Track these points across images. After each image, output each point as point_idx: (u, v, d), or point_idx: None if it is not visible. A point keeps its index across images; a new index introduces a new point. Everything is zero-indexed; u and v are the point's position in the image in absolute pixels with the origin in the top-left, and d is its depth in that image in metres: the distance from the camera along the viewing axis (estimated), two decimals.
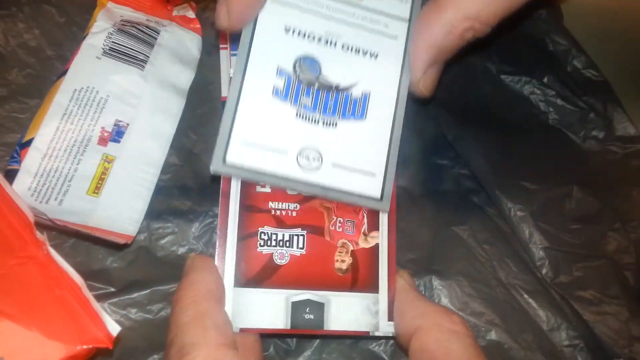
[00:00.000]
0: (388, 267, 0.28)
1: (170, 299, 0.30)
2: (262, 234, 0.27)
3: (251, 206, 0.27)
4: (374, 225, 0.28)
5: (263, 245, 0.26)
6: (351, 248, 0.28)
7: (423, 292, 0.32)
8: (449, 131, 0.36)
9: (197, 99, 0.35)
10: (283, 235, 0.27)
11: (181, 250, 0.31)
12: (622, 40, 0.38)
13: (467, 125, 0.36)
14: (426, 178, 0.36)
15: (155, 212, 0.32)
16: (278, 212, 0.27)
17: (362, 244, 0.28)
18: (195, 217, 0.32)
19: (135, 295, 0.29)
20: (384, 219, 0.29)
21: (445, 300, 0.32)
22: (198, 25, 0.37)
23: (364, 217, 0.28)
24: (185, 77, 0.35)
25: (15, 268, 0.23)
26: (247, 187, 0.27)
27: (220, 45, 0.35)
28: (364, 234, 0.28)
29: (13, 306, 0.22)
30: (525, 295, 0.32)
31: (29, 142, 0.30)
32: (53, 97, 0.31)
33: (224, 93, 0.36)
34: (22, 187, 0.29)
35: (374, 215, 0.28)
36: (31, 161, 0.30)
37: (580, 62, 0.36)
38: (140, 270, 0.30)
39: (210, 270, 0.24)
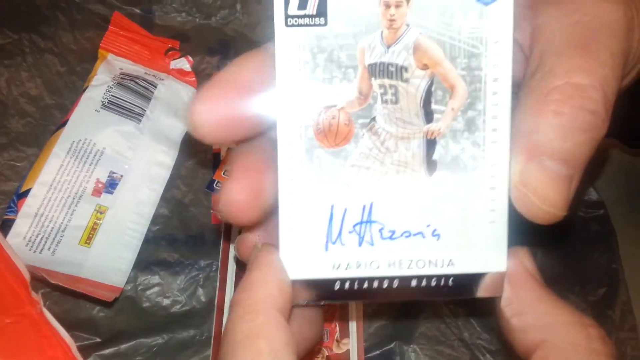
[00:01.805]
0: None
1: (154, 352, 0.31)
2: None
3: None
4: (345, 333, 0.32)
5: None
6: (326, 354, 0.31)
7: (387, 358, 0.33)
8: None
9: (188, 150, 0.37)
10: None
11: (166, 301, 0.33)
12: None
13: None
14: None
15: (143, 262, 0.33)
16: None
17: (335, 350, 0.32)
18: (181, 269, 0.34)
19: (120, 347, 0.31)
20: (353, 328, 0.32)
21: None
22: (193, 78, 0.39)
23: (336, 325, 0.32)
24: (178, 130, 0.37)
25: (10, 326, 0.24)
26: None
27: None
28: (337, 341, 0.32)
29: None
30: (488, 355, 0.34)
31: (26, 193, 0.32)
32: (51, 149, 0.33)
33: (215, 145, 0.38)
34: (18, 237, 0.31)
35: (344, 325, 0.32)
36: (28, 212, 0.31)
37: None
38: (126, 320, 0.32)
39: (275, 269, 0.19)
